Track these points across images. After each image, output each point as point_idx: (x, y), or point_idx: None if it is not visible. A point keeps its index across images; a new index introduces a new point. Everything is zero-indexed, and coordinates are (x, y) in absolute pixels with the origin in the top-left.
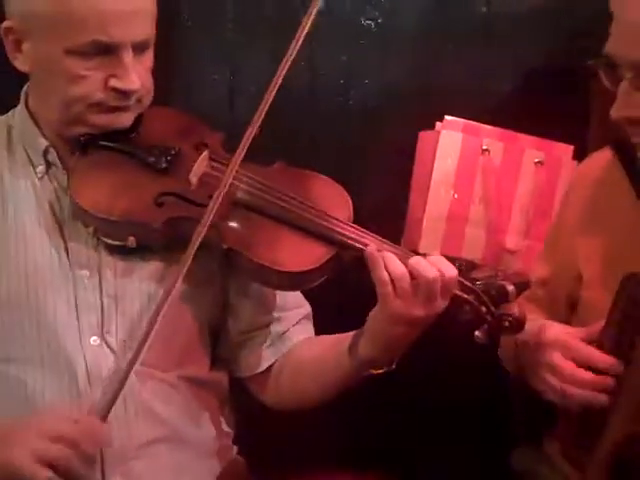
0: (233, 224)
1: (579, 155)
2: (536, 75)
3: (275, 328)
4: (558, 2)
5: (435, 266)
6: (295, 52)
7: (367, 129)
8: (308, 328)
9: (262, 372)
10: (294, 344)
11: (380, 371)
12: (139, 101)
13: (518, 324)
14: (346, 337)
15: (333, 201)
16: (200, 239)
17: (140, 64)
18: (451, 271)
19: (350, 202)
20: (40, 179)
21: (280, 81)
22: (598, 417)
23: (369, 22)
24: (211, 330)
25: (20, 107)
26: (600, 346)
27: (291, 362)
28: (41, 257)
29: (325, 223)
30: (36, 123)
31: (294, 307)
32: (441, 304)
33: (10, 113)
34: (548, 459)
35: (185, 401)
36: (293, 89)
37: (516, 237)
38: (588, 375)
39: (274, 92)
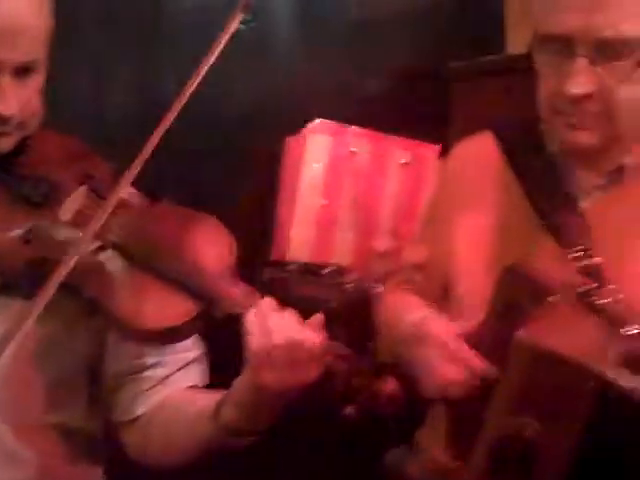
0: (96, 270)
1: (444, 155)
2: (402, 77)
3: (156, 372)
4: (424, 8)
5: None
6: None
7: (238, 137)
8: (194, 373)
9: (134, 419)
10: (174, 391)
11: (241, 441)
12: (22, 125)
13: (394, 404)
14: (214, 398)
15: (215, 249)
16: (58, 281)
17: (23, 87)
18: (316, 338)
19: (234, 250)
20: None
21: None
22: (474, 416)
23: None
24: (88, 371)
25: None
26: (479, 341)
27: (161, 414)
28: None
29: (197, 277)
30: None
31: (181, 350)
32: (314, 374)
33: None
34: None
35: (53, 446)
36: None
37: (384, 239)
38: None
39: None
